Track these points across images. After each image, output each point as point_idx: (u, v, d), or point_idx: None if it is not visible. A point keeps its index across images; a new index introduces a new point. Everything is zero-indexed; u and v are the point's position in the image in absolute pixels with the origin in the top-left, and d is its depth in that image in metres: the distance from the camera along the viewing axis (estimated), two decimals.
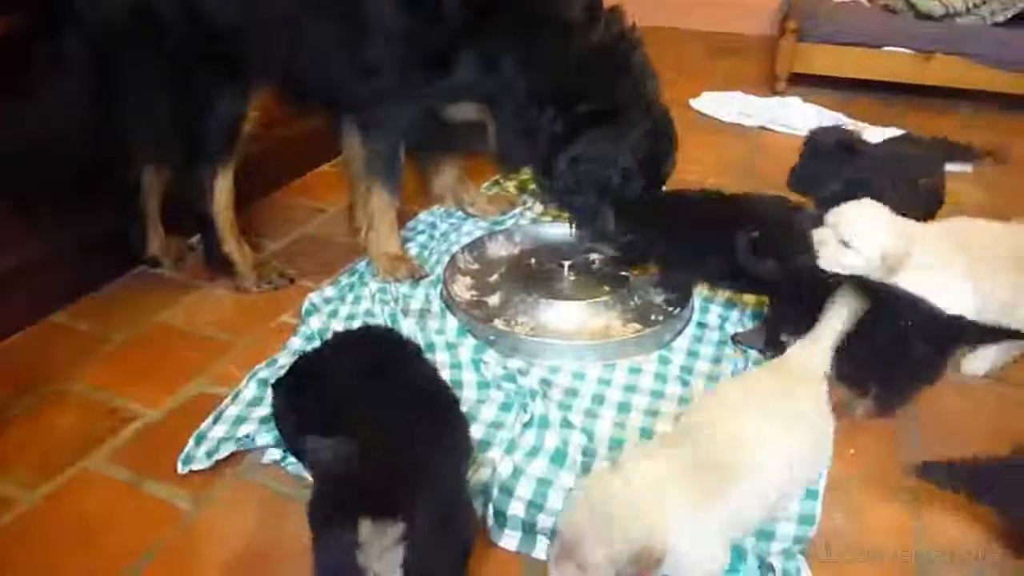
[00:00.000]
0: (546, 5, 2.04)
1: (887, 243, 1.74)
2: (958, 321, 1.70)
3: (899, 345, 1.72)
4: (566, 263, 2.27)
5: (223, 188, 2.21)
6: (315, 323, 2.09)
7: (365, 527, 1.07)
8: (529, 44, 2.02)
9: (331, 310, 2.18)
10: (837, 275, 1.77)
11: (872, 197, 1.77)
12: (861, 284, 1.72)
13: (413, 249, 2.53)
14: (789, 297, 1.91)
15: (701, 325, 2.15)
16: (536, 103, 2.06)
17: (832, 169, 2.22)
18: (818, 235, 1.81)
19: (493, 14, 2.01)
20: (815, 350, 1.60)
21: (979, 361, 1.98)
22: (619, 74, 2.06)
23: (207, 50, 2.00)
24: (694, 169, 2.27)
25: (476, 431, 1.74)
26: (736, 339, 2.05)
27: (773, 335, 1.97)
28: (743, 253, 1.91)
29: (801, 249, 1.78)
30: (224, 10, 1.99)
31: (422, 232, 2.66)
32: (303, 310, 2.17)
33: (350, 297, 2.24)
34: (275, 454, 1.68)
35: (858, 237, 1.76)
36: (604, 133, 2.04)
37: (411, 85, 2.10)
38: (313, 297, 2.21)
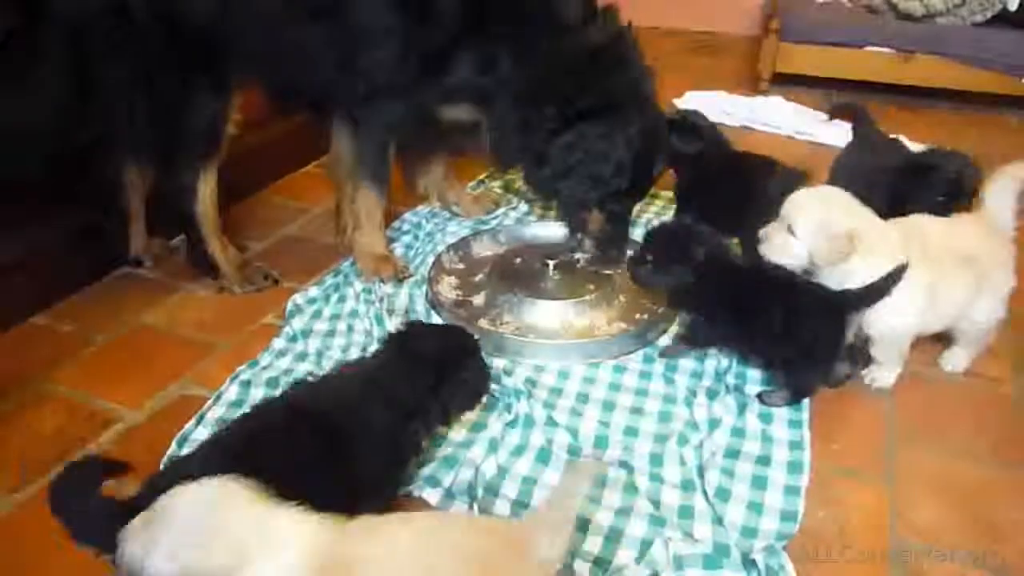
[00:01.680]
0: (541, 4, 2.03)
1: (832, 227, 1.73)
2: (842, 294, 1.73)
3: (791, 326, 1.74)
4: (551, 262, 2.27)
5: (206, 188, 2.19)
6: (297, 324, 2.09)
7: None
8: (525, 43, 2.02)
9: (315, 311, 2.17)
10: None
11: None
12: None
13: (398, 249, 2.53)
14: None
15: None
16: (532, 102, 2.06)
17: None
18: (766, 230, 1.83)
19: (488, 13, 2.00)
20: (545, 530, 1.12)
21: (957, 358, 2.00)
22: (615, 72, 2.06)
23: (185, 49, 1.98)
24: None
25: (458, 432, 1.74)
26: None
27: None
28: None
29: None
30: (200, 9, 1.96)
31: (407, 232, 2.65)
32: (286, 311, 2.16)
33: (334, 297, 2.24)
34: None
35: (801, 224, 1.76)
36: (600, 126, 2.04)
37: (406, 85, 2.09)
38: (297, 298, 2.21)
